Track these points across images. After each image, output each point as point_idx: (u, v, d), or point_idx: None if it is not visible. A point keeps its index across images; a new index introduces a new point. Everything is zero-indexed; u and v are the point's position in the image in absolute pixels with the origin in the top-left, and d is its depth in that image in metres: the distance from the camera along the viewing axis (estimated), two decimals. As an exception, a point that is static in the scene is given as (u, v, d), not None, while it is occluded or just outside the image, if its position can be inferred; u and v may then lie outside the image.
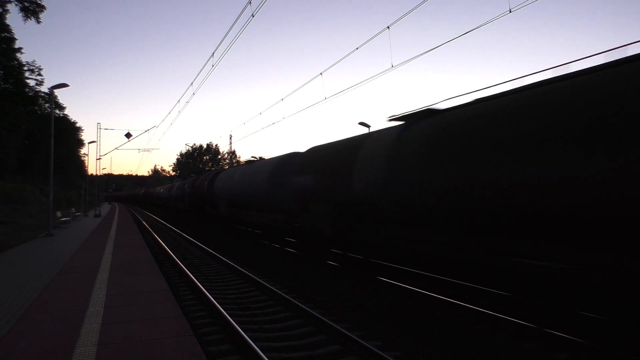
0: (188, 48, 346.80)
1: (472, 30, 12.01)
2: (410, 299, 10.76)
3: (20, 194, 43.38)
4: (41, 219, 31.61)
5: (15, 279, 11.33)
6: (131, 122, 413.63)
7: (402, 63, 17.48)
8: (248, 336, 7.51)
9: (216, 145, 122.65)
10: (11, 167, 51.16)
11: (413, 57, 15.80)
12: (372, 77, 17.61)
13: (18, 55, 45.39)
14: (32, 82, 50.79)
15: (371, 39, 16.02)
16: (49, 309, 8.28)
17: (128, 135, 45.25)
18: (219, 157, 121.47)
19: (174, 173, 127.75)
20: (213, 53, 24.79)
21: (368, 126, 29.56)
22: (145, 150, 70.97)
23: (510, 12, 10.64)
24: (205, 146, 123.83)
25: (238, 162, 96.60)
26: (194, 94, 29.42)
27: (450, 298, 10.20)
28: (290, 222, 18.89)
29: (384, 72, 16.76)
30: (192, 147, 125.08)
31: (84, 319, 7.51)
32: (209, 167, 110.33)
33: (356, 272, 13.81)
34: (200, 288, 11.46)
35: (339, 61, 21.87)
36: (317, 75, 21.00)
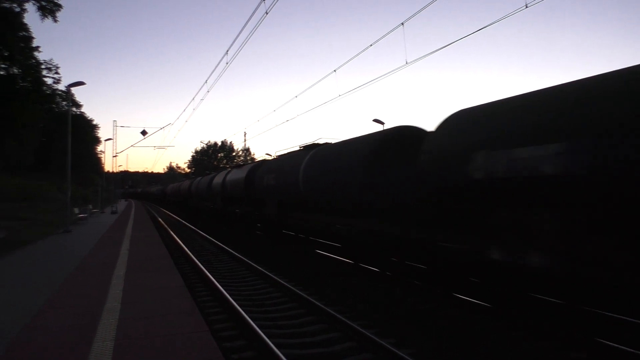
0: (202, 46, 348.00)
1: (488, 26, 11.92)
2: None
3: (38, 190, 44.05)
4: (58, 216, 31.99)
5: (34, 275, 11.48)
6: (147, 120, 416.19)
7: (416, 59, 17.41)
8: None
9: (231, 142, 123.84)
10: (28, 164, 51.84)
11: (428, 54, 15.70)
12: (386, 74, 17.56)
13: (35, 53, 45.99)
14: (49, 80, 51.52)
15: (385, 35, 15.97)
16: (67, 303, 8.37)
17: (144, 132, 45.58)
18: (234, 154, 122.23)
19: (189, 170, 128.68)
20: (227, 51, 24.90)
21: (382, 123, 29.51)
22: (160, 147, 71.42)
23: (526, 7, 10.56)
24: (219, 143, 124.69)
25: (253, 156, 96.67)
26: (208, 92, 29.59)
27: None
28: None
29: (398, 68, 16.70)
30: (206, 144, 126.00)
31: (101, 314, 7.58)
32: (224, 164, 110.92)
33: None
34: (214, 283, 11.50)
35: (352, 58, 21.77)
36: (331, 73, 20.97)
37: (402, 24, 15.10)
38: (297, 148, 20.59)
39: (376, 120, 30.30)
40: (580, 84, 7.70)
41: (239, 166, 31.76)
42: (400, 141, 12.95)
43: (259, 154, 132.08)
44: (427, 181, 10.29)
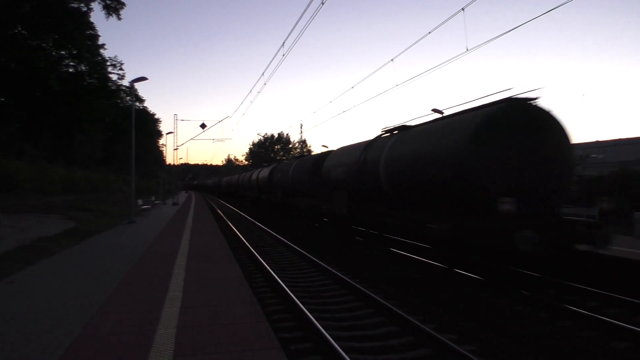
0: (259, 38, 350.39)
1: (555, 8, 11.42)
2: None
3: (104, 183, 45.93)
4: (123, 207, 33.18)
5: (101, 263, 11.87)
6: (206, 113, 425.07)
7: (477, 46, 16.87)
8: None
9: (287, 134, 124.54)
10: (97, 158, 54.06)
11: (489, 40, 15.16)
12: (446, 61, 17.17)
13: (101, 51, 47.78)
14: (114, 77, 53.44)
15: (445, 22, 15.57)
16: (132, 291, 8.63)
17: (203, 125, 46.61)
18: (290, 146, 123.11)
19: (246, 162, 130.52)
20: (283, 42, 25.02)
21: (441, 112, 28.75)
22: (219, 140, 72.86)
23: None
24: (276, 135, 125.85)
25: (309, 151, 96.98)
26: (265, 84, 29.82)
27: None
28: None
29: (458, 56, 16.24)
30: (263, 136, 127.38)
31: (164, 302, 7.75)
32: (281, 156, 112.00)
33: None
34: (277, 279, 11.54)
35: (410, 46, 21.38)
36: (388, 62, 20.67)
37: (463, 9, 14.67)
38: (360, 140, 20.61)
39: (435, 110, 29.62)
40: (355, 145, 19.94)
41: (296, 158, 34.51)
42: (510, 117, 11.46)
43: (315, 146, 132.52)
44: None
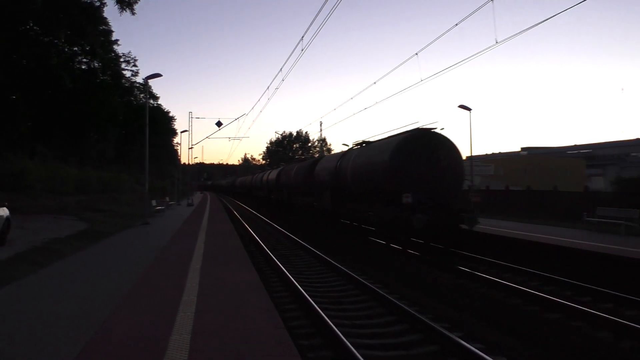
0: (277, 32, 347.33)
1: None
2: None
3: (117, 182, 45.28)
4: (137, 207, 32.61)
5: (113, 266, 11.35)
6: (222, 111, 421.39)
7: (508, 38, 16.01)
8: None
9: (306, 132, 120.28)
10: (109, 157, 53.52)
11: (520, 31, 14.40)
12: (474, 55, 16.42)
13: (115, 47, 47.20)
14: (127, 73, 52.92)
15: (472, 13, 14.77)
16: (146, 294, 8.30)
17: (219, 123, 45.94)
18: (309, 144, 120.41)
19: (263, 162, 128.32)
20: (302, 37, 24.20)
21: (469, 109, 27.83)
22: (235, 138, 72.28)
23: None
24: (295, 134, 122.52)
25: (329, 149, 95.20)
26: (283, 80, 29.09)
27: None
28: None
29: (486, 49, 15.44)
30: (281, 134, 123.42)
31: (178, 307, 7.35)
32: (299, 155, 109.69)
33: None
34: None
35: (436, 39, 20.52)
36: (412, 56, 19.91)
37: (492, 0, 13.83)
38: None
39: (462, 107, 28.52)
40: (335, 154, 27.32)
41: (301, 160, 39.72)
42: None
43: (335, 145, 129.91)
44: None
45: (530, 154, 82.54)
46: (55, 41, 39.52)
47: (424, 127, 17.82)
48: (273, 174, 43.30)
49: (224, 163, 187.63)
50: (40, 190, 30.41)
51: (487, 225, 20.67)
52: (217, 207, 43.48)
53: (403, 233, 16.90)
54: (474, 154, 45.28)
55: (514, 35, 14.69)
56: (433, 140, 17.16)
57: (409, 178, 16.48)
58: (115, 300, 7.74)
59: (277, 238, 22.33)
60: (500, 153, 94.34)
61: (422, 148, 16.85)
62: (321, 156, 32.72)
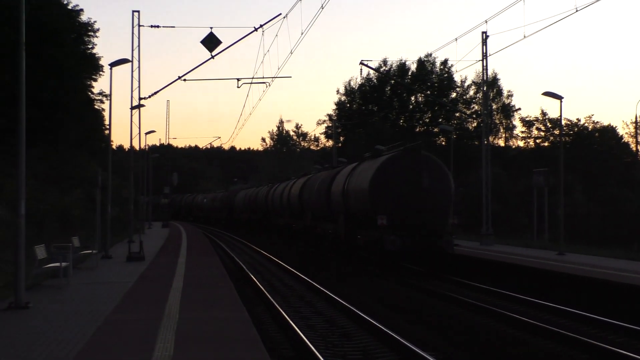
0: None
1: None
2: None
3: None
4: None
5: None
6: (218, 15, 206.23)
7: (589, 4, 13.92)
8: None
9: (445, 61, 60.06)
10: None
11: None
12: (550, 24, 14.74)
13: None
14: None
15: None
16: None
17: (211, 41, 20.95)
18: (458, 90, 62.95)
19: (326, 141, 69.22)
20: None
21: (560, 98, 20.65)
22: (255, 80, 22.23)
23: None
24: (411, 64, 60.28)
25: None
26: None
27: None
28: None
29: (564, 17, 14.13)
30: (378, 68, 49.51)
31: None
32: (425, 117, 61.66)
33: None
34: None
35: (505, 9, 19.23)
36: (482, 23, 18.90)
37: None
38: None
39: (549, 94, 21.00)
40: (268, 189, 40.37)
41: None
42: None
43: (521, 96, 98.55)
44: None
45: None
46: None
47: (409, 147, 18.18)
48: (297, 186, 30.50)
49: (225, 148, 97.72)
50: None
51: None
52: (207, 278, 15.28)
53: (376, 255, 16.98)
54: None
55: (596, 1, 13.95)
56: (416, 161, 17.37)
57: (388, 199, 16.66)
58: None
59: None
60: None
61: (404, 169, 17.03)
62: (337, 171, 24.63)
